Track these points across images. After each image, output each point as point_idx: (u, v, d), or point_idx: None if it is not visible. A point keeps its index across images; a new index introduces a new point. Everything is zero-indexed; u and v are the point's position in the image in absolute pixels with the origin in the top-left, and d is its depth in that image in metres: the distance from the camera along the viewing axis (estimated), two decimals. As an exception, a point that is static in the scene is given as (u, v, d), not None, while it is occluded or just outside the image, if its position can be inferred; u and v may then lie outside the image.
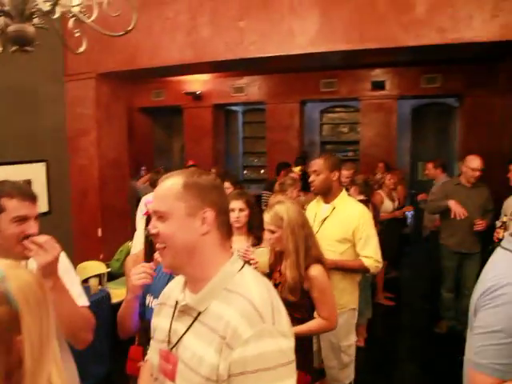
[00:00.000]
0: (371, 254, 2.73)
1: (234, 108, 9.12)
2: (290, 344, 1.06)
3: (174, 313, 1.19)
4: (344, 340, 2.76)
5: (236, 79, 7.77)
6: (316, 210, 2.93)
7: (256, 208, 3.01)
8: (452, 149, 7.99)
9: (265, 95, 7.81)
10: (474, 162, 3.94)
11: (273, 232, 2.26)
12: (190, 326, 1.12)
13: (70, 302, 1.51)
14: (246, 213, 2.81)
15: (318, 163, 2.84)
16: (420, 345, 4.21)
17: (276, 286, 2.23)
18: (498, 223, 3.54)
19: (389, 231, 4.81)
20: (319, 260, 2.24)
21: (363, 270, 2.81)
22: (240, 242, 2.72)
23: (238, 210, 2.79)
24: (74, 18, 1.93)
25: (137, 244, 3.15)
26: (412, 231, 6.94)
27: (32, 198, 1.56)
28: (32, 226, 1.50)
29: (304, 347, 2.19)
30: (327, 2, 3.59)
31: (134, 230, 3.65)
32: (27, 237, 1.46)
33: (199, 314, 1.11)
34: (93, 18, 1.98)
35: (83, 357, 1.78)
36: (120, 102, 4.96)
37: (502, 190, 4.13)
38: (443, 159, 5.92)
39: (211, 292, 1.11)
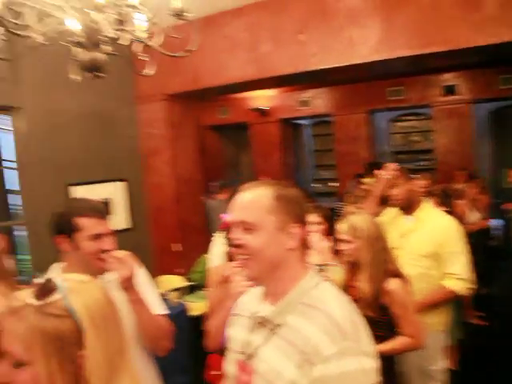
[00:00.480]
0: (459, 272, 2.50)
1: (301, 121, 9.16)
2: (373, 364, 1.02)
3: (249, 324, 1.18)
4: (434, 363, 2.54)
5: (301, 93, 7.81)
6: (393, 222, 2.77)
7: (332, 221, 2.96)
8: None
9: (331, 107, 7.77)
10: None
11: (348, 242, 2.19)
12: (267, 338, 1.11)
13: (148, 312, 1.59)
14: (322, 227, 2.74)
15: (395, 174, 2.76)
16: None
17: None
18: None
19: (474, 244, 4.51)
20: (397, 275, 2.12)
21: (453, 298, 2.58)
22: (316, 256, 2.67)
23: (315, 223, 2.75)
24: (141, 43, 2.09)
25: (213, 260, 3.23)
26: (500, 244, 6.45)
27: (104, 215, 1.63)
28: (108, 242, 1.57)
29: (389, 369, 2.03)
30: (387, 7, 3.53)
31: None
32: (105, 252, 1.54)
33: (276, 326, 1.10)
34: (158, 41, 2.13)
35: (165, 368, 1.87)
36: (190, 121, 5.19)
37: None
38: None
39: (288, 306, 1.10)
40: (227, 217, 1.55)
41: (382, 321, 2.07)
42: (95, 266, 1.55)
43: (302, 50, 3.89)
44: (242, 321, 1.25)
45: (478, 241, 4.73)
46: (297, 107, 7.96)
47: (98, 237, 1.56)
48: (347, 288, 2.23)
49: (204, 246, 3.85)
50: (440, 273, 2.56)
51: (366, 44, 3.63)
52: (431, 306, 2.52)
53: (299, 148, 9.34)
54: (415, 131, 8.60)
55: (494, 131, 8.03)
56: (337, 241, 2.32)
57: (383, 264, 2.12)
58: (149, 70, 2.25)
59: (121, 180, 4.67)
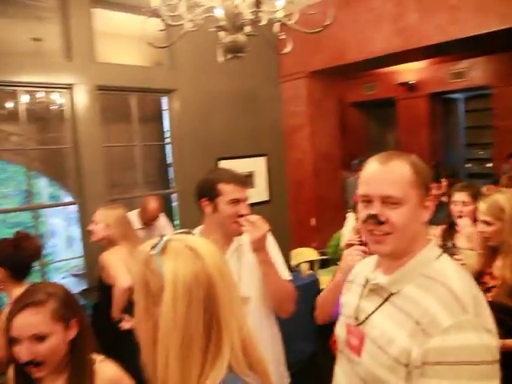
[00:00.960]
0: None
1: (453, 96, 8.41)
2: (494, 341, 0.97)
3: (363, 291, 1.20)
4: None
5: (453, 64, 7.14)
6: None
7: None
8: None
9: (490, 78, 6.96)
10: None
11: (489, 224, 2.01)
12: (380, 305, 1.12)
13: (276, 274, 1.71)
14: (470, 207, 2.55)
15: None
16: None
17: (488, 290, 1.97)
18: None
19: None
20: None
21: None
22: (463, 241, 2.45)
23: (461, 203, 2.59)
24: (279, 23, 2.18)
25: (346, 235, 3.26)
26: None
27: (243, 183, 1.80)
28: (244, 208, 1.74)
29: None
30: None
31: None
32: (241, 216, 1.70)
33: (390, 294, 1.10)
34: (295, 20, 2.19)
35: (292, 333, 1.99)
36: (331, 98, 5.19)
37: None
38: None
39: (406, 275, 1.09)
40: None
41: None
42: (231, 229, 1.72)
43: (455, 15, 3.58)
44: (355, 288, 1.28)
45: None
46: (448, 80, 7.32)
47: (235, 202, 1.73)
48: (482, 274, 2.06)
49: (340, 222, 3.93)
50: None
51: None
52: None
53: (450, 125, 8.62)
54: None
55: None
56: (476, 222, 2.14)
57: None
58: (286, 49, 2.33)
59: (263, 155, 4.94)
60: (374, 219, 1.09)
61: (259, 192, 4.88)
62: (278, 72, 5.03)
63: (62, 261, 7.20)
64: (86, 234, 3.77)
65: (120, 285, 2.59)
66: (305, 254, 4.63)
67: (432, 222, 1.29)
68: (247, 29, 2.02)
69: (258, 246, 1.64)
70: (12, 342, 1.25)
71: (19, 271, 2.13)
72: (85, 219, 3.74)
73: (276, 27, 2.18)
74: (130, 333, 2.59)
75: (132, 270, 0.86)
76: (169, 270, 0.86)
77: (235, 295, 0.92)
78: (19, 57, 3.64)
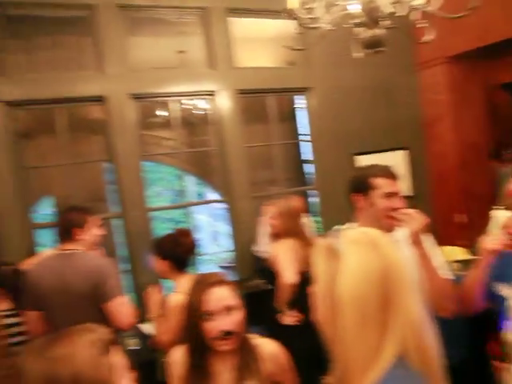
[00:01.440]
0: None
1: None
2: None
3: None
4: None
5: None
6: None
7: None
8: None
9: None
10: None
11: None
12: None
13: (434, 269, 1.68)
14: None
15: None
16: None
17: None
18: None
19: None
20: None
21: None
22: None
23: None
24: (419, 11, 2.09)
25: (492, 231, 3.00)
26: None
27: (395, 176, 1.82)
28: (398, 201, 1.76)
29: None
30: None
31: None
32: (395, 210, 1.72)
33: None
34: (436, 5, 2.08)
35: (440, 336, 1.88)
36: (475, 82, 4.78)
37: None
38: None
39: None
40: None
41: None
42: (384, 223, 1.72)
43: None
44: None
45: None
46: None
47: (389, 195, 1.75)
48: None
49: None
50: None
51: None
52: None
53: None
54: None
55: None
56: None
57: None
58: (428, 36, 2.23)
59: (402, 148, 4.75)
60: None
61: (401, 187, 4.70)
62: (413, 60, 4.79)
63: (209, 254, 7.85)
64: (236, 230, 4.08)
65: (285, 280, 2.75)
66: (453, 253, 4.34)
67: None
68: (386, 22, 1.99)
69: (416, 239, 1.63)
70: (204, 316, 1.41)
71: (180, 263, 2.43)
72: (233, 216, 4.05)
73: (414, 15, 2.11)
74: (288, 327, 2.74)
75: (312, 261, 0.93)
76: (351, 259, 0.91)
77: (410, 287, 0.94)
78: (167, 70, 4.09)
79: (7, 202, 3.40)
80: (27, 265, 2.70)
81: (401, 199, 1.75)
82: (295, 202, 3.76)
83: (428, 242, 1.73)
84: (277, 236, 2.94)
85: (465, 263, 4.08)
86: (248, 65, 4.46)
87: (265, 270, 2.97)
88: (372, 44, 2.09)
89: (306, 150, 5.37)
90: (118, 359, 0.96)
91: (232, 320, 1.41)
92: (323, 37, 2.11)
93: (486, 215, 4.57)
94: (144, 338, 2.94)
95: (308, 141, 4.62)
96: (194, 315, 1.42)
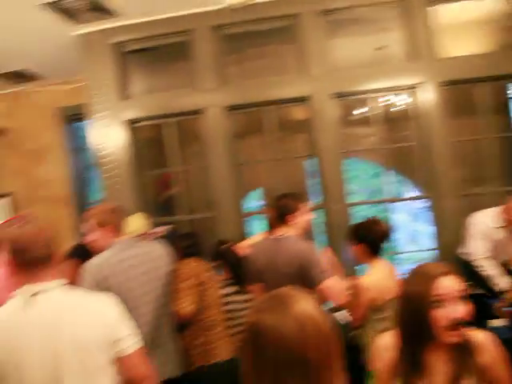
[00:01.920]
0: None
1: None
2: None
3: None
4: None
5: None
6: None
7: None
8: None
9: None
10: None
11: None
12: None
13: None
14: None
15: None
16: None
17: None
18: None
19: None
20: None
21: None
22: None
23: None
24: None
25: None
26: None
27: None
28: None
29: None
30: None
31: None
32: None
33: None
34: None
35: None
36: None
37: None
38: None
39: None
40: None
41: None
42: None
43: None
44: None
45: None
46: None
47: None
48: None
49: None
50: None
51: None
52: None
53: None
54: None
55: None
56: None
57: None
58: None
59: None
60: None
61: None
62: None
63: (407, 252, 7.57)
64: (440, 229, 3.89)
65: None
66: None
67: None
68: None
69: None
70: (435, 304, 1.39)
71: (373, 247, 2.63)
72: (437, 215, 3.89)
73: None
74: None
75: None
76: None
77: None
78: (367, 67, 4.11)
79: (225, 193, 4.01)
80: (241, 247, 3.15)
81: None
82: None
83: None
84: None
85: None
86: (453, 53, 4.15)
87: (473, 273, 2.78)
88: None
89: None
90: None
91: (465, 309, 1.38)
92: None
93: None
94: (340, 326, 3.06)
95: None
96: (421, 303, 1.40)
